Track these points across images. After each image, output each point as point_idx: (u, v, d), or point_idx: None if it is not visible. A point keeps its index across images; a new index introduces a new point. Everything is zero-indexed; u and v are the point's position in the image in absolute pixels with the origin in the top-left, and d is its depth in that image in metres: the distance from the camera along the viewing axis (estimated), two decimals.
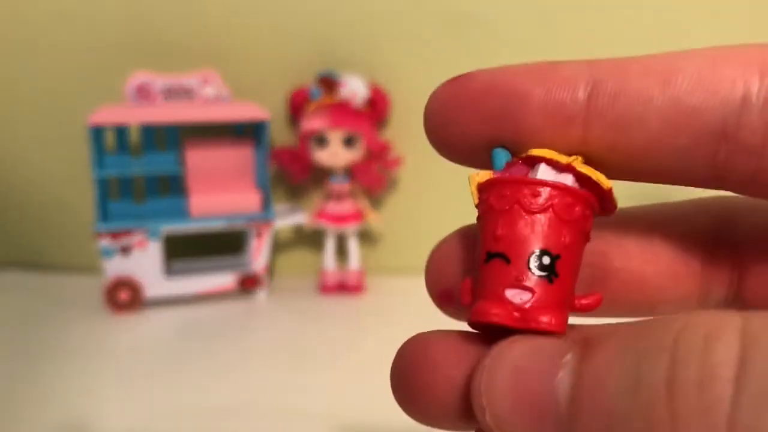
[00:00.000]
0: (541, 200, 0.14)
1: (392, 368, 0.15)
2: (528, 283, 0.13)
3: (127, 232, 0.62)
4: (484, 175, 0.15)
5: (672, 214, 0.17)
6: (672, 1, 0.65)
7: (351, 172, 0.67)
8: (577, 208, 0.14)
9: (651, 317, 0.12)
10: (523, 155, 0.14)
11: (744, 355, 0.10)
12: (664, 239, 0.17)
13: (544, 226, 0.14)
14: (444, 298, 0.17)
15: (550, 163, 0.14)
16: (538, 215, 0.14)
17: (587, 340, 0.12)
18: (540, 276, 0.14)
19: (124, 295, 0.62)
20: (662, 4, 0.65)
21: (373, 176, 0.67)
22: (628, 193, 0.16)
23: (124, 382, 0.51)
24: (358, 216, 0.68)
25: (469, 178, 0.15)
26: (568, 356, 0.12)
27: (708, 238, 0.17)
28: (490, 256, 0.14)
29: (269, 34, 0.66)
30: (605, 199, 0.14)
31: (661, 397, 0.10)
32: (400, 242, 0.72)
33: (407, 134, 0.67)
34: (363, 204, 0.69)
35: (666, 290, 0.16)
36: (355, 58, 0.66)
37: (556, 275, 0.14)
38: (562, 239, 0.14)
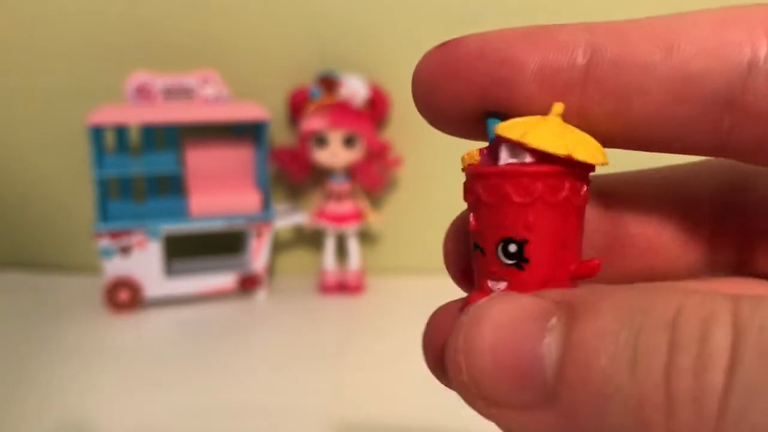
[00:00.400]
0: (494, 190, 0.13)
1: (423, 343, 0.16)
2: (500, 273, 0.14)
3: (127, 232, 0.62)
4: (473, 155, 0.14)
5: (681, 178, 0.17)
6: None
7: (351, 172, 0.67)
8: (537, 185, 0.13)
9: (640, 284, 0.12)
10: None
11: (735, 343, 0.10)
12: (675, 205, 0.16)
13: (503, 214, 0.13)
14: (464, 277, 0.16)
15: (508, 142, 0.14)
16: (494, 205, 0.13)
17: (572, 304, 0.12)
18: (509, 264, 0.13)
19: (123, 295, 0.62)
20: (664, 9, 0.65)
21: (373, 176, 0.67)
22: (628, 162, 0.16)
23: (124, 382, 0.51)
24: (358, 216, 0.68)
25: (462, 159, 0.15)
26: (554, 320, 0.12)
27: (716, 203, 0.16)
28: (474, 247, 0.14)
29: (269, 34, 0.66)
30: (574, 162, 0.13)
31: (658, 380, 0.10)
32: (400, 242, 0.72)
33: (407, 134, 0.67)
34: (363, 204, 0.69)
35: (677, 257, 0.16)
36: (355, 58, 0.66)
37: (526, 261, 0.13)
38: (526, 223, 0.13)
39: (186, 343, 0.58)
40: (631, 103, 0.13)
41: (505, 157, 0.14)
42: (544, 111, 0.14)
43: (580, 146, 0.13)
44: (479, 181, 0.14)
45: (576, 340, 0.11)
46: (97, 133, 0.60)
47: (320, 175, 0.68)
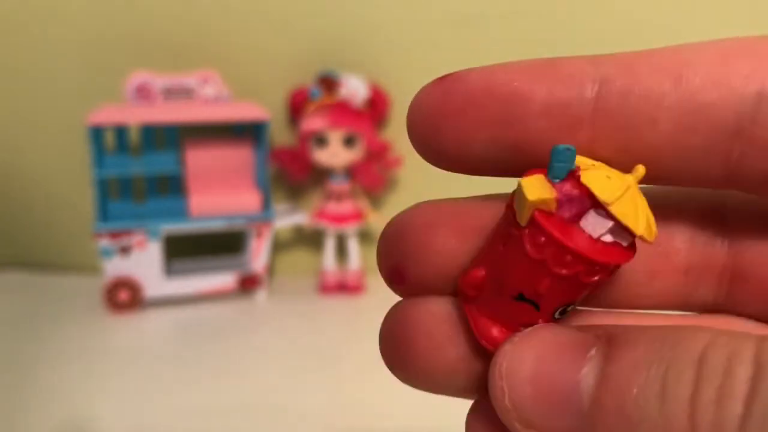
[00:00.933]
0: (572, 268, 0.13)
1: (380, 337, 0.15)
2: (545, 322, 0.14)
3: (127, 232, 0.62)
4: (541, 187, 0.13)
5: (653, 200, 0.16)
6: (674, 1, 0.65)
7: (351, 172, 0.67)
8: (595, 278, 0.13)
9: (676, 325, 0.12)
10: (577, 172, 0.13)
11: (755, 377, 0.11)
12: None
13: (575, 287, 0.13)
14: (396, 275, 0.15)
15: (598, 207, 0.13)
16: (570, 280, 0.13)
17: (611, 338, 0.12)
18: (559, 317, 0.14)
19: (123, 295, 0.62)
20: (664, 3, 0.65)
21: (373, 176, 0.67)
22: None
23: (123, 382, 0.51)
24: (358, 216, 0.68)
25: (524, 188, 0.13)
26: (593, 351, 0.12)
27: (694, 232, 0.15)
28: (519, 297, 0.14)
29: (269, 34, 0.66)
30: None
31: (684, 410, 0.11)
32: None
33: (407, 134, 0.67)
34: (363, 204, 0.69)
35: (641, 286, 0.15)
36: (355, 58, 0.66)
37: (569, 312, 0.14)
38: (590, 291, 0.14)
39: (186, 343, 0.58)
40: (640, 135, 0.13)
41: (594, 227, 0.13)
42: (552, 146, 0.13)
43: (651, 225, 0.13)
44: (562, 253, 0.13)
45: (611, 370, 0.12)
46: (97, 133, 0.60)
47: (320, 175, 0.68)
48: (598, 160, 0.13)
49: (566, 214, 0.13)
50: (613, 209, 0.12)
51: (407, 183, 0.70)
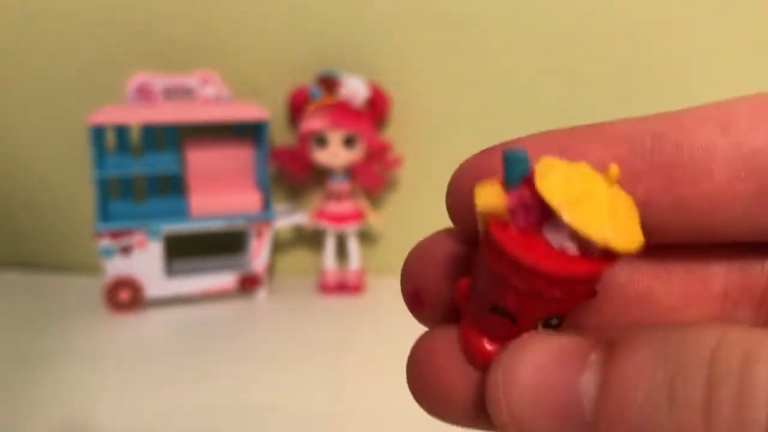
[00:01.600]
0: (531, 285, 0.12)
1: (407, 368, 0.15)
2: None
3: (128, 232, 0.62)
4: (492, 195, 0.12)
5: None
6: (669, 2, 0.65)
7: (351, 172, 0.67)
8: (582, 288, 0.12)
9: (681, 324, 0.12)
10: (532, 176, 0.12)
11: None
12: (679, 252, 0.15)
13: (544, 302, 0.13)
14: (415, 299, 0.15)
15: (554, 216, 0.12)
16: (531, 295, 0.12)
17: (611, 341, 0.12)
18: (545, 328, 0.13)
19: (124, 295, 0.62)
20: (661, 5, 0.65)
21: (373, 176, 0.67)
22: None
23: (124, 382, 0.51)
24: (358, 216, 0.68)
25: (479, 196, 0.12)
26: (593, 356, 0.12)
27: (731, 254, 0.15)
28: (493, 309, 0.13)
29: (269, 34, 0.66)
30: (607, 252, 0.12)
31: (698, 416, 0.10)
32: (400, 242, 0.71)
33: (407, 134, 0.67)
34: (363, 204, 0.69)
35: (676, 311, 0.15)
36: (355, 58, 0.66)
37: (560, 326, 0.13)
38: (569, 309, 0.13)
39: (186, 343, 0.58)
40: (697, 186, 0.13)
41: (554, 235, 0.12)
42: None
43: (632, 232, 0.12)
44: (519, 272, 0.12)
45: (613, 376, 0.11)
46: (97, 133, 0.60)
47: (320, 175, 0.68)
48: (653, 218, 0.13)
49: (523, 222, 0.12)
50: (566, 215, 0.12)
51: (407, 183, 0.70)
